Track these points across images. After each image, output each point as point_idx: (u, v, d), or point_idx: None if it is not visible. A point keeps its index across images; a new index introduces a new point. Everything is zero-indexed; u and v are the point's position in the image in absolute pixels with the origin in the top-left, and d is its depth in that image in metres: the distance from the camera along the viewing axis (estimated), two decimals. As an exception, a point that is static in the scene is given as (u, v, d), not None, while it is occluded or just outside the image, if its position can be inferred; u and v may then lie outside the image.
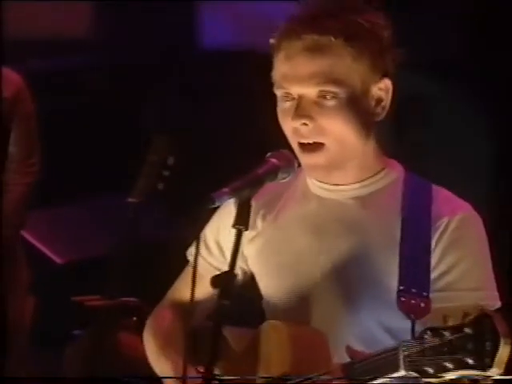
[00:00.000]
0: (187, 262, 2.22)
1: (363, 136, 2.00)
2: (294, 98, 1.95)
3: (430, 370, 1.76)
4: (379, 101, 1.98)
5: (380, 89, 1.96)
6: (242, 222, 1.82)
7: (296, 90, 1.95)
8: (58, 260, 3.96)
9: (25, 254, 3.63)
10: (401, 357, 1.80)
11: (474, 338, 1.71)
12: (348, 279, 2.13)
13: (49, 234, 4.02)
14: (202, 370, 1.99)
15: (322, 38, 1.97)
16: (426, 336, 1.77)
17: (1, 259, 3.45)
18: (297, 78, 1.96)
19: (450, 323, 1.70)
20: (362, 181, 2.11)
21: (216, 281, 1.81)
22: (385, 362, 1.82)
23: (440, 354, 1.76)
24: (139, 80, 5.09)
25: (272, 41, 2.04)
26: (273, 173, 1.92)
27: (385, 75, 1.97)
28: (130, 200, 2.67)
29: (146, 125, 4.68)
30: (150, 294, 2.86)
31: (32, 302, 3.58)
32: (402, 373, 1.81)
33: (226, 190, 1.81)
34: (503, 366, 1.68)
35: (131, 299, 3.11)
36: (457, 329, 1.71)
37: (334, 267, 2.15)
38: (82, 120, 4.90)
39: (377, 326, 2.15)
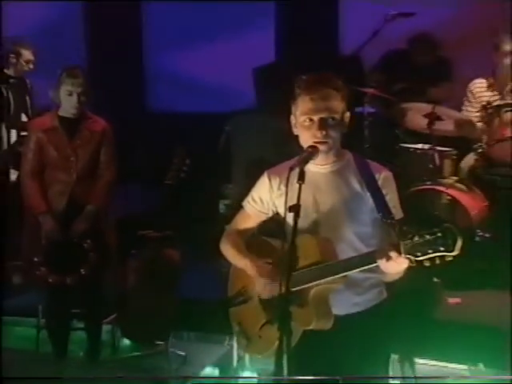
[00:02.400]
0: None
1: (340, 137, 3.01)
2: (312, 120, 2.91)
3: (418, 254, 2.66)
4: (346, 122, 3.00)
5: (346, 116, 2.98)
6: (301, 180, 2.77)
7: (316, 116, 2.91)
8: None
9: (113, 223, 4.86)
10: (402, 247, 2.68)
11: (443, 237, 2.61)
12: (336, 212, 3.06)
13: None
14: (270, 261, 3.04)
15: (327, 90, 2.95)
16: (415, 238, 2.67)
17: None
18: (317, 111, 2.92)
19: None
20: (334, 162, 3.07)
21: (292, 207, 2.74)
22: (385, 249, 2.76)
23: (424, 245, 2.64)
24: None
25: (297, 91, 3.00)
26: (311, 155, 2.90)
27: (348, 109, 3.00)
28: (166, 182, 4.54)
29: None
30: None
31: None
32: (403, 255, 2.69)
33: (292, 163, 2.86)
34: (460, 250, 2.60)
35: (168, 232, 4.77)
36: (433, 233, 2.62)
37: (327, 206, 3.06)
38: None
39: (354, 236, 3.07)
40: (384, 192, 3.04)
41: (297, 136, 3.02)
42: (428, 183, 5.31)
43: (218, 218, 6.16)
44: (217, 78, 7.32)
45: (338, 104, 2.97)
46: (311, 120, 2.91)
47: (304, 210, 2.82)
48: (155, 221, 4.87)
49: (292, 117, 3.03)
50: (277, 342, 2.85)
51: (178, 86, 7.55)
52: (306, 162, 2.84)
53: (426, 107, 5.57)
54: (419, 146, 5.65)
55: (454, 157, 5.77)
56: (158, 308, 4.81)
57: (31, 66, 6.32)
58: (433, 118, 5.49)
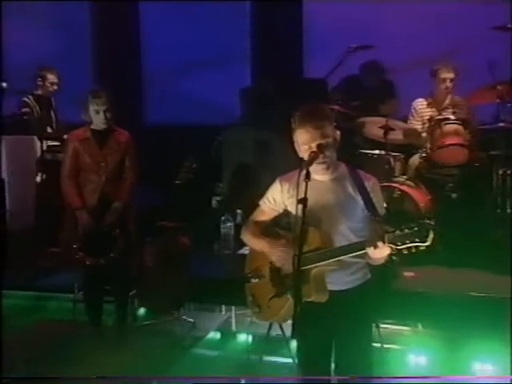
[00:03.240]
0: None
1: (335, 153, 3.19)
2: (311, 147, 3.09)
3: (399, 243, 2.85)
4: (338, 140, 3.19)
5: (337, 135, 3.18)
6: (308, 178, 2.96)
7: (313, 143, 3.10)
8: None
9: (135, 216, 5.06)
10: (386, 238, 2.86)
11: (418, 231, 2.81)
12: (334, 211, 3.19)
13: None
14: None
15: (321, 121, 3.12)
16: (397, 231, 2.85)
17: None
18: (313, 139, 3.10)
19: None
20: (332, 172, 3.23)
21: (300, 200, 2.94)
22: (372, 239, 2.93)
23: (404, 237, 2.84)
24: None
25: (294, 125, 3.15)
26: (313, 159, 3.06)
27: (335, 130, 3.19)
28: (176, 182, 4.95)
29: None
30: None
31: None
32: (387, 245, 2.85)
33: (298, 170, 3.03)
34: (431, 240, 2.78)
35: (180, 223, 5.07)
36: (411, 227, 2.82)
37: (327, 206, 3.18)
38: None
39: (347, 229, 3.19)
40: (372, 195, 3.20)
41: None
42: (384, 181, 5.30)
43: (212, 211, 6.38)
44: (210, 96, 7.36)
45: (329, 129, 3.14)
46: (310, 147, 3.11)
47: (309, 209, 2.97)
48: (169, 213, 5.10)
49: (295, 144, 3.19)
50: (283, 311, 3.20)
51: (175, 101, 7.56)
52: (310, 164, 3.05)
53: (381, 120, 5.79)
54: (376, 151, 5.81)
55: (404, 160, 5.99)
56: (171, 284, 4.99)
57: (55, 87, 6.62)
58: (387, 129, 5.71)
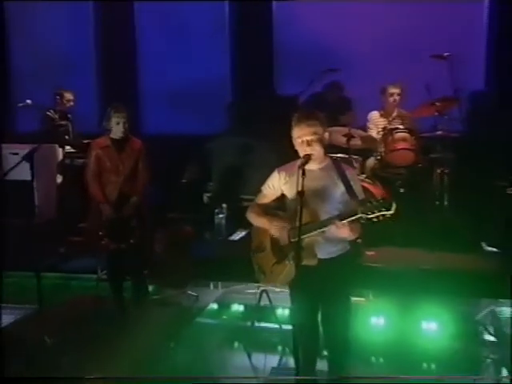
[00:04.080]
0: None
1: (322, 149, 3.43)
2: (303, 141, 3.37)
3: (369, 213, 3.12)
4: (326, 139, 3.44)
5: (326, 135, 3.44)
6: (304, 175, 3.18)
7: (304, 138, 3.39)
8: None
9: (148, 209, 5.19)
10: (359, 212, 3.14)
11: (384, 203, 3.09)
12: (321, 194, 3.39)
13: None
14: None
15: (312, 122, 3.40)
16: (368, 204, 3.10)
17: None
18: (304, 135, 3.37)
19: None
20: (320, 163, 3.47)
21: (299, 192, 3.15)
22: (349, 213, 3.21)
23: (373, 208, 3.10)
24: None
25: (292, 123, 3.41)
26: (307, 160, 3.32)
27: (325, 130, 3.46)
28: (182, 181, 5.31)
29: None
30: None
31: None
32: (360, 214, 3.10)
33: (294, 163, 3.33)
34: (394, 209, 3.04)
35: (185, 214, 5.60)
36: (378, 200, 3.12)
37: (316, 190, 3.38)
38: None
39: (331, 208, 3.37)
40: (351, 183, 3.44)
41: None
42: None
43: (207, 205, 6.62)
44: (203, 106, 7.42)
45: (318, 129, 3.42)
46: (302, 141, 3.44)
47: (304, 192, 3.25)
48: (175, 207, 5.39)
49: (292, 138, 3.49)
50: (282, 275, 3.44)
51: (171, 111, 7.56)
52: (304, 164, 3.34)
53: (344, 129, 6.02)
54: (340, 155, 5.88)
55: (362, 161, 6.21)
56: (178, 265, 5.29)
57: (71, 103, 6.87)
58: (349, 136, 5.96)
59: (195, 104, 7.31)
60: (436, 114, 6.10)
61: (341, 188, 3.44)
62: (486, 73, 6.98)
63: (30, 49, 7.95)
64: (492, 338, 4.69)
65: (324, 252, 3.50)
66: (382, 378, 3.72)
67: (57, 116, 6.60)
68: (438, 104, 6.04)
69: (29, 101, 6.25)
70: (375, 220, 3.16)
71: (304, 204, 3.25)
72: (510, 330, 4.67)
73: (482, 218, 5.81)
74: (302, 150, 3.44)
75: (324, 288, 3.54)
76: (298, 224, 3.19)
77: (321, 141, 3.45)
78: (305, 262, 3.34)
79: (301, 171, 3.25)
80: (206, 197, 6.69)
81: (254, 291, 5.13)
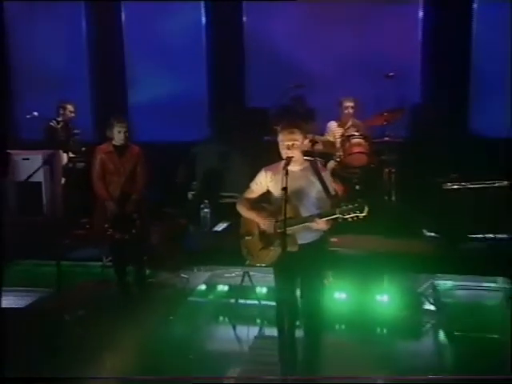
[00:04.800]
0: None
1: (302, 153, 3.61)
2: (285, 145, 3.53)
3: (345, 214, 3.31)
4: (305, 145, 3.67)
5: (306, 141, 3.66)
6: (287, 175, 3.33)
7: (286, 143, 3.55)
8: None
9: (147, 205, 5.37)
10: (337, 212, 3.32)
11: (358, 206, 3.26)
12: (301, 192, 3.52)
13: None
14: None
15: (292, 130, 3.57)
16: (343, 206, 3.28)
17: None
18: (286, 140, 3.53)
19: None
20: (300, 165, 3.63)
21: (283, 188, 3.28)
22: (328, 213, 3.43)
23: (348, 210, 3.28)
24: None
25: (278, 130, 3.60)
26: (288, 162, 3.46)
27: (305, 137, 3.67)
28: (177, 181, 5.54)
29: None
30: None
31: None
32: (338, 215, 3.30)
33: (278, 165, 3.48)
34: (366, 212, 3.23)
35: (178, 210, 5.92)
36: (353, 203, 3.29)
37: (296, 188, 3.51)
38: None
39: (310, 205, 3.52)
40: (326, 182, 3.64)
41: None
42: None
43: (193, 201, 6.84)
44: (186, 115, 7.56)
45: (298, 136, 3.62)
46: (284, 145, 3.63)
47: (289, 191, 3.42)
48: (171, 203, 5.54)
49: (279, 143, 3.66)
50: (267, 258, 3.60)
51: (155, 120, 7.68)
52: (287, 165, 3.54)
53: (308, 136, 5.38)
54: (306, 157, 5.64)
55: (324, 163, 6.24)
56: (173, 254, 5.51)
57: (73, 115, 7.09)
58: (313, 142, 6.13)
59: (178, 116, 7.45)
60: (385, 122, 6.44)
61: (317, 187, 3.67)
62: (424, 87, 7.28)
63: (28, 64, 8.00)
64: (432, 307, 5.01)
65: (302, 239, 3.69)
66: (382, 378, 3.86)
67: (59, 126, 6.77)
68: (386, 114, 6.37)
69: (35, 113, 6.45)
70: (350, 220, 3.37)
71: (287, 200, 3.43)
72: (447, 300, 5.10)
73: (424, 209, 6.12)
74: (284, 153, 3.67)
75: (302, 268, 3.73)
76: (283, 217, 3.41)
77: (300, 147, 3.67)
78: (289, 249, 3.55)
79: (285, 171, 3.48)
80: (190, 194, 6.87)
81: (236, 273, 5.38)
